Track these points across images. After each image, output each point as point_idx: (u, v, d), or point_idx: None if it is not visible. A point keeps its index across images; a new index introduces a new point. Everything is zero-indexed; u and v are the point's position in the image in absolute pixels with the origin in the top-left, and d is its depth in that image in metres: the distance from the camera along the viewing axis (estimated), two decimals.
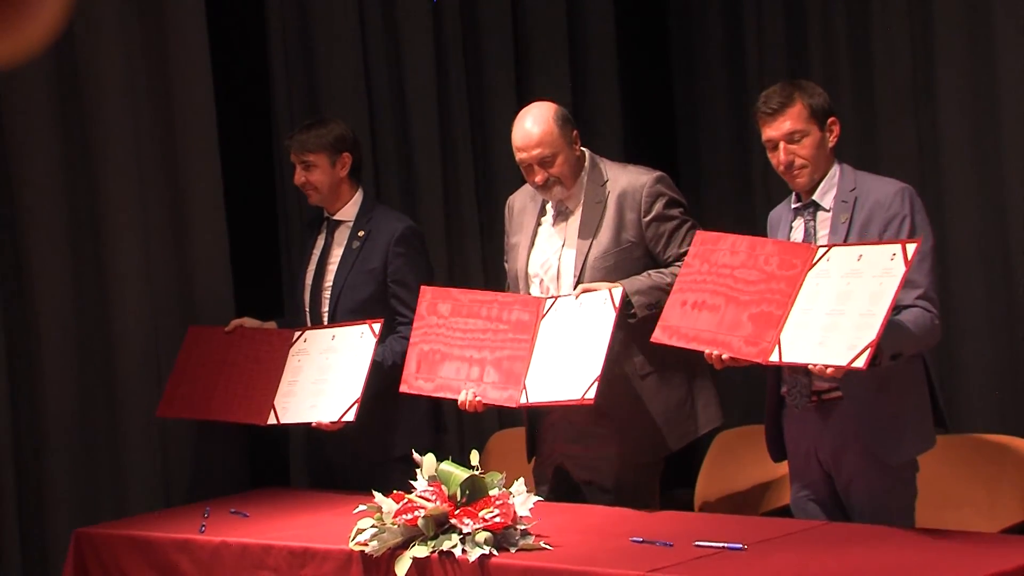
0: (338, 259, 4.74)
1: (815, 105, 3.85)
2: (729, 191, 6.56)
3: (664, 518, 3.88)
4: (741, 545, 3.37)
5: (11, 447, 4.86)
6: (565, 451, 4.26)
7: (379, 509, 3.66)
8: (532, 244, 4.30)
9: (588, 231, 4.21)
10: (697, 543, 3.41)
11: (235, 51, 5.54)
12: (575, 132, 4.24)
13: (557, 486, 4.28)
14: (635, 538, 3.51)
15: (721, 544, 3.39)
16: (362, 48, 5.77)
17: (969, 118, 5.74)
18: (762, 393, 4.02)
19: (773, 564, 3.26)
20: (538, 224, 4.32)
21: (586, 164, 4.28)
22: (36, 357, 4.95)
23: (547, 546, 3.50)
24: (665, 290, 4.03)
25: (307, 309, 4.79)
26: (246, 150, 5.55)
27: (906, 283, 3.52)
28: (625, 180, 4.23)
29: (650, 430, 4.17)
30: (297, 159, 4.79)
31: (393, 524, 3.61)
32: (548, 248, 4.28)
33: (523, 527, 3.54)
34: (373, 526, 3.64)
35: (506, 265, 4.48)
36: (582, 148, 4.28)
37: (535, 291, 4.28)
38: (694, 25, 6.68)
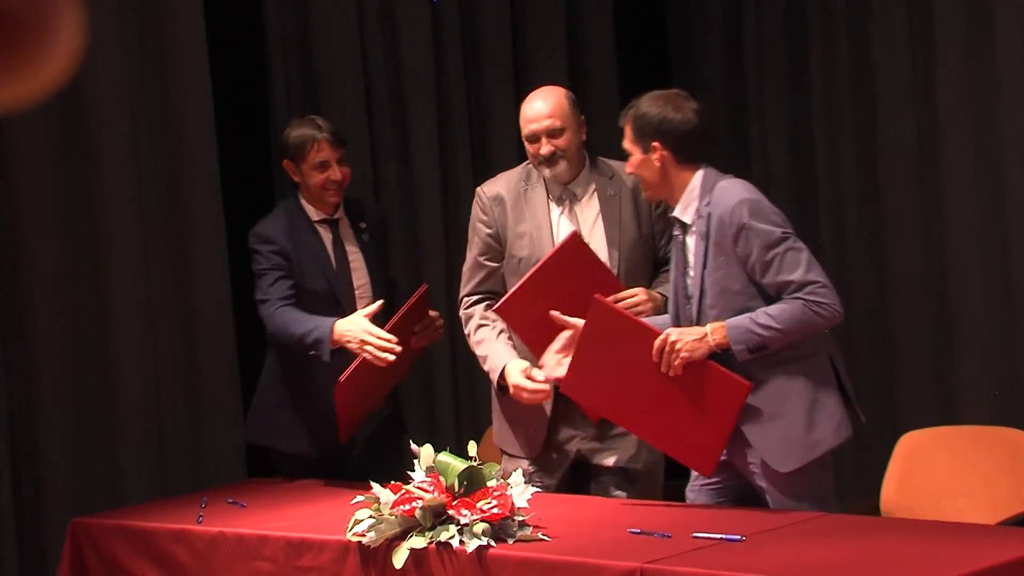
0: (359, 260, 4.61)
1: (638, 127, 3.83)
2: None
3: (663, 509, 3.88)
4: (739, 536, 3.36)
5: (7, 438, 4.86)
6: (585, 440, 4.28)
7: (376, 500, 3.65)
8: (552, 230, 4.26)
9: (613, 221, 4.22)
10: (695, 534, 3.40)
11: (233, 51, 5.54)
12: (583, 118, 4.28)
13: (573, 476, 4.29)
14: (633, 529, 3.50)
15: (719, 535, 3.38)
16: (360, 46, 5.76)
17: (968, 113, 5.74)
18: None
19: (771, 555, 3.26)
20: (548, 212, 4.30)
21: (587, 158, 4.30)
22: (32, 348, 4.95)
23: (545, 537, 3.49)
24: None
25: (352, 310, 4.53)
26: (244, 150, 5.54)
27: (778, 287, 3.67)
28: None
29: None
30: (337, 152, 4.53)
31: (391, 515, 3.60)
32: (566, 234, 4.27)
33: (521, 518, 3.53)
34: (370, 517, 3.64)
35: (482, 259, 4.36)
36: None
37: None
38: (693, 23, 6.67)
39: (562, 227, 4.26)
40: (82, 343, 5.04)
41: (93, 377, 5.06)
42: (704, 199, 3.76)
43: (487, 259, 4.37)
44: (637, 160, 3.84)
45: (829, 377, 3.78)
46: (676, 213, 3.84)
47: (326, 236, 4.58)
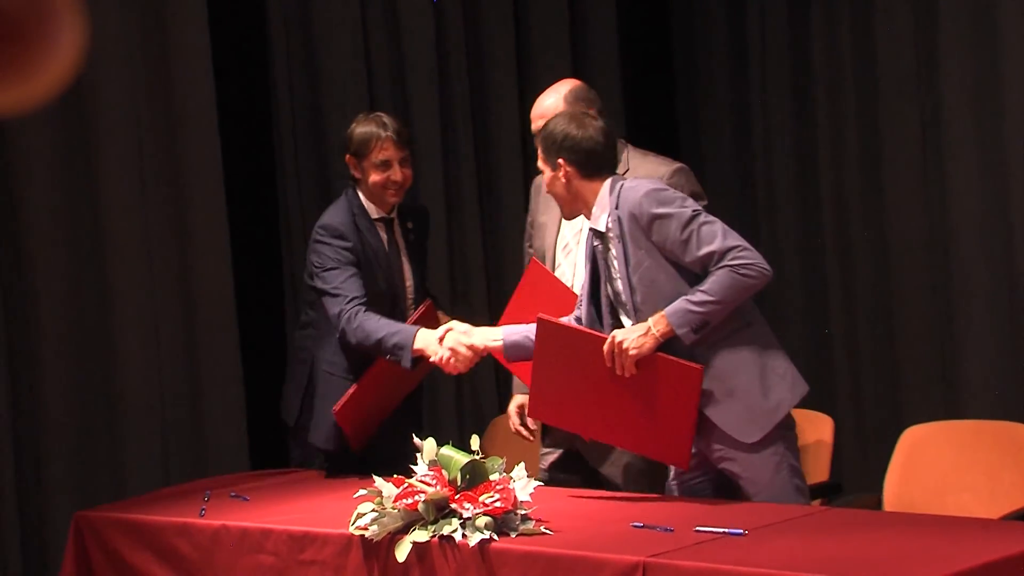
0: (407, 261, 4.56)
1: (545, 146, 3.93)
2: (730, 190, 6.54)
3: (665, 504, 3.87)
4: (742, 530, 3.37)
5: (11, 431, 4.87)
6: (580, 441, 4.27)
7: (379, 493, 3.65)
8: (559, 224, 4.33)
9: None
10: (698, 528, 3.41)
11: (236, 51, 5.54)
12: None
13: (568, 470, 4.30)
14: (636, 523, 3.50)
15: (722, 529, 3.38)
16: (364, 47, 5.77)
17: (972, 110, 5.74)
18: None
19: (773, 549, 3.26)
20: None
21: None
22: (36, 342, 4.96)
23: (547, 531, 3.50)
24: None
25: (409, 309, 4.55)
26: (247, 150, 5.55)
27: (702, 262, 3.73)
28: (644, 170, 4.23)
29: None
30: (400, 152, 4.42)
31: (393, 508, 3.61)
32: (568, 232, 4.33)
33: (523, 512, 3.54)
34: (373, 510, 3.64)
35: (527, 245, 4.54)
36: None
37: (564, 268, 4.31)
38: (697, 20, 6.67)
39: (565, 222, 4.28)
40: (85, 337, 5.05)
41: (96, 370, 5.07)
42: (613, 203, 3.84)
43: (529, 246, 4.52)
44: (548, 177, 3.94)
45: (771, 341, 3.86)
46: (591, 224, 3.90)
47: (383, 234, 4.52)
